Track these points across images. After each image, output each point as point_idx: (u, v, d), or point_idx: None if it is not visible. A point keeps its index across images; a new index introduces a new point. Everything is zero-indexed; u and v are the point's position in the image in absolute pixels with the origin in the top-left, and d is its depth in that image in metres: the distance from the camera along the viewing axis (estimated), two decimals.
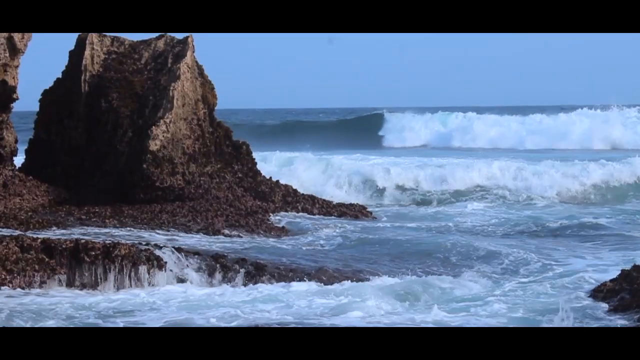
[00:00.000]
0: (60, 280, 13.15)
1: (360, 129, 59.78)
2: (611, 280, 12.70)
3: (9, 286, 12.52)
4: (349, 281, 13.69)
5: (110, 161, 20.85)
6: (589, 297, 12.47)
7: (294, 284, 13.57)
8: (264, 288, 13.35)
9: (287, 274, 14.07)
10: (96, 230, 16.90)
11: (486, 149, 48.99)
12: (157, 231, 17.57)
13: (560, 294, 12.83)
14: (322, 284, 13.59)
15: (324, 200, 23.04)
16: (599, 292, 12.42)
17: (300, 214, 21.53)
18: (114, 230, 17.00)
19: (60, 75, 22.07)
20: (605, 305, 11.78)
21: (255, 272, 13.95)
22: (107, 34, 22.05)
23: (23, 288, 12.65)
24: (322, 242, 17.98)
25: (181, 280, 13.59)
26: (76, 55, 21.79)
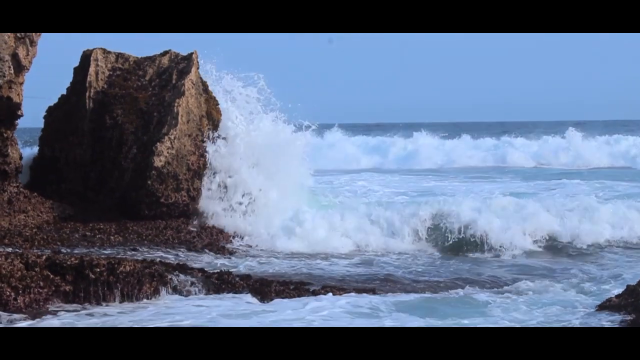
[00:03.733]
0: (64, 297, 13.12)
1: None
2: (617, 296, 12.66)
3: (13, 303, 12.49)
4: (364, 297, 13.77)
5: (114, 177, 20.85)
6: (594, 312, 12.43)
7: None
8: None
9: (293, 290, 14.03)
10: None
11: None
12: (162, 248, 17.62)
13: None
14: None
15: None
16: (604, 308, 12.39)
17: None
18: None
19: (64, 92, 22.11)
20: (609, 321, 11.76)
21: (261, 288, 13.92)
22: (112, 50, 22.09)
23: (27, 305, 12.62)
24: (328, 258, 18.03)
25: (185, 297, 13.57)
26: (80, 71, 21.82)
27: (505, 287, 14.90)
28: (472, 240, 19.46)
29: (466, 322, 11.84)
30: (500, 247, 19.15)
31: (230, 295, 13.50)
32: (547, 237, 19.99)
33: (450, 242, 19.69)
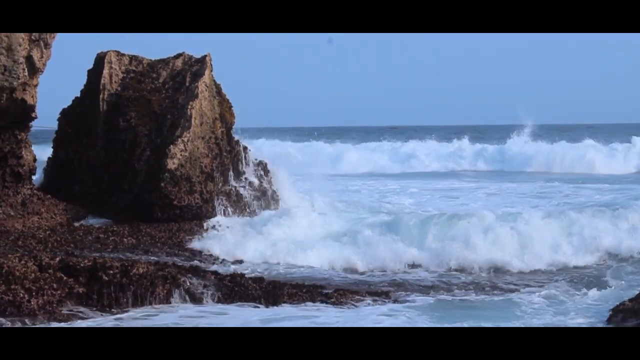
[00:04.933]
0: (78, 299, 13.14)
1: None
2: (630, 300, 12.60)
3: (27, 305, 12.52)
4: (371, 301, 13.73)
5: (128, 180, 20.90)
6: (608, 315, 12.40)
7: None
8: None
9: (306, 293, 14.00)
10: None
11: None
12: (175, 250, 17.63)
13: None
14: (339, 304, 13.53)
15: None
16: (618, 312, 12.34)
17: None
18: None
19: (78, 94, 22.19)
20: (621, 324, 11.74)
21: (273, 291, 13.90)
22: (125, 53, 22.16)
23: (40, 307, 12.65)
24: None
25: (198, 300, 13.56)
26: (94, 74, 21.89)
27: (522, 290, 14.93)
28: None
29: (477, 323, 11.90)
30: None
31: None
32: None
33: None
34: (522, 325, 11.92)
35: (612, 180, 37.83)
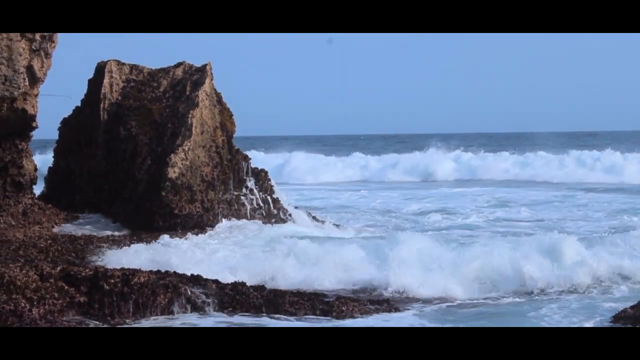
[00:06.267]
0: (79, 308, 13.12)
1: None
2: (632, 307, 12.61)
3: (28, 315, 12.52)
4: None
5: (129, 189, 20.89)
6: (609, 323, 12.40)
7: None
8: None
9: (307, 301, 13.98)
10: None
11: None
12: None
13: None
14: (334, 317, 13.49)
15: None
16: (620, 319, 12.34)
17: None
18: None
19: (79, 104, 22.22)
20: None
21: (275, 299, 13.88)
22: (126, 62, 22.20)
23: (42, 316, 12.64)
24: None
25: (199, 309, 13.55)
26: (95, 83, 21.91)
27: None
28: None
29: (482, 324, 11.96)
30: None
31: None
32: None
33: None
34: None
35: None
